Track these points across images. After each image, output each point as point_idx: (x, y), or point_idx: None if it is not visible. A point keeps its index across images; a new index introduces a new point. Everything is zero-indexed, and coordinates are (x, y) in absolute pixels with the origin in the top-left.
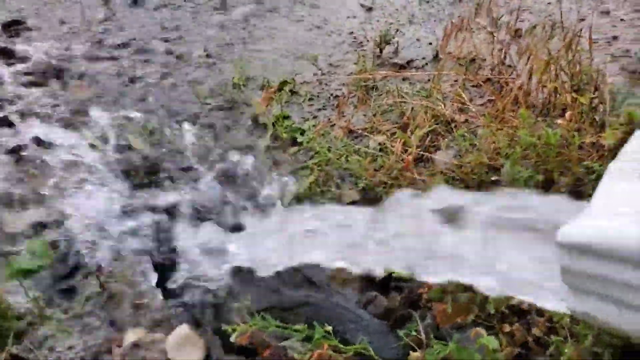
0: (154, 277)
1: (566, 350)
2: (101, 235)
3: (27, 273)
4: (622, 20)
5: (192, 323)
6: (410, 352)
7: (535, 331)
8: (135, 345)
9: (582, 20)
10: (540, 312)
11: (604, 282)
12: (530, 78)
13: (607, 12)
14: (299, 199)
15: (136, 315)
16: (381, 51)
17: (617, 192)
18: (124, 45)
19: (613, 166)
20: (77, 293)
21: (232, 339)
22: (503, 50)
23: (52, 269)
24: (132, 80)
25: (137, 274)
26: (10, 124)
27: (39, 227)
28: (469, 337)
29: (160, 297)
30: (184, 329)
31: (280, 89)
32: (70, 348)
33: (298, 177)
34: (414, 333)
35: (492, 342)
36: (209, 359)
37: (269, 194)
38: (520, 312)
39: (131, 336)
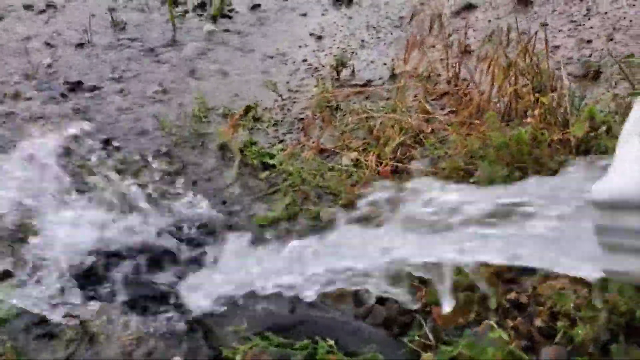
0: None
1: (579, 332)
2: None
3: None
4: (560, 31)
5: (184, 353)
6: (422, 352)
7: (538, 322)
8: None
9: (523, 33)
10: (539, 302)
11: None
12: (492, 85)
13: (546, 25)
14: (274, 221)
15: (125, 352)
16: (338, 74)
17: (636, 150)
18: (76, 85)
19: (625, 132)
20: (56, 338)
21: None
22: (457, 65)
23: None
24: (89, 119)
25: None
26: None
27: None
28: (475, 334)
29: (149, 330)
30: None
31: (245, 114)
32: None
33: (273, 200)
34: (417, 338)
35: (503, 334)
36: None
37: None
38: (520, 306)
39: None
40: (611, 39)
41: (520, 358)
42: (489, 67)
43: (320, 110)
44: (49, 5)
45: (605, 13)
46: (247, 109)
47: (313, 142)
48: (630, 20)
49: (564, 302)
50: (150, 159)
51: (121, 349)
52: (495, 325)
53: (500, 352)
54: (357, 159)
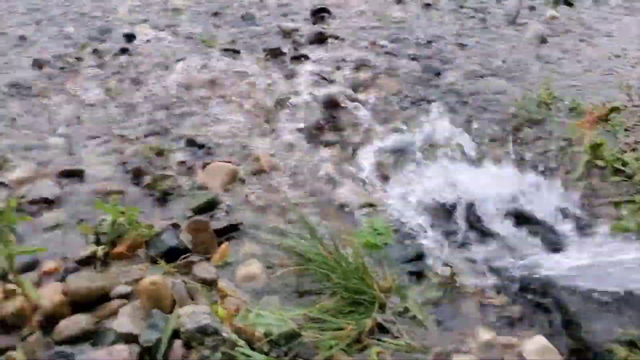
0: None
1: None
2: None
3: (372, 247)
4: None
5: (544, 331)
6: None
7: None
8: (489, 345)
9: None
10: None
11: None
12: None
13: None
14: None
15: (482, 312)
16: None
17: None
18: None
19: None
20: (424, 279)
21: None
22: None
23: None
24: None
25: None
26: None
27: (368, 206)
28: None
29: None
30: (540, 340)
31: (607, 115)
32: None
33: (624, 210)
34: None
35: None
36: None
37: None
38: None
39: (483, 333)
40: None
41: None
42: None
43: None
44: None
45: None
46: (613, 110)
47: None
48: None
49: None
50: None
51: None
52: None
53: None
54: None
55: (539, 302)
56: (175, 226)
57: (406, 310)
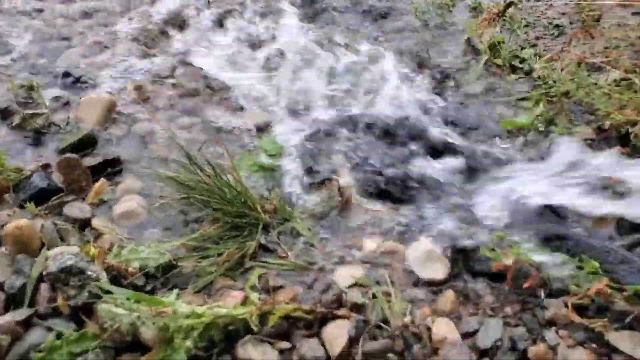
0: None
1: None
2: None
3: (262, 169)
4: None
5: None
6: None
7: None
8: (374, 252)
9: None
10: None
11: None
12: None
13: None
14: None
15: (369, 223)
16: None
17: None
18: None
19: None
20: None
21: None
22: None
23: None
24: None
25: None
26: None
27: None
28: None
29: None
30: (424, 244)
31: (504, 12)
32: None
33: (519, 108)
34: None
35: None
36: (452, 279)
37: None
38: None
39: (368, 243)
40: None
41: None
42: None
43: (582, 20)
44: None
45: None
46: (508, 5)
47: (577, 53)
48: None
49: None
50: None
51: None
52: None
53: None
54: (624, 79)
55: None
56: (47, 167)
57: (293, 229)
